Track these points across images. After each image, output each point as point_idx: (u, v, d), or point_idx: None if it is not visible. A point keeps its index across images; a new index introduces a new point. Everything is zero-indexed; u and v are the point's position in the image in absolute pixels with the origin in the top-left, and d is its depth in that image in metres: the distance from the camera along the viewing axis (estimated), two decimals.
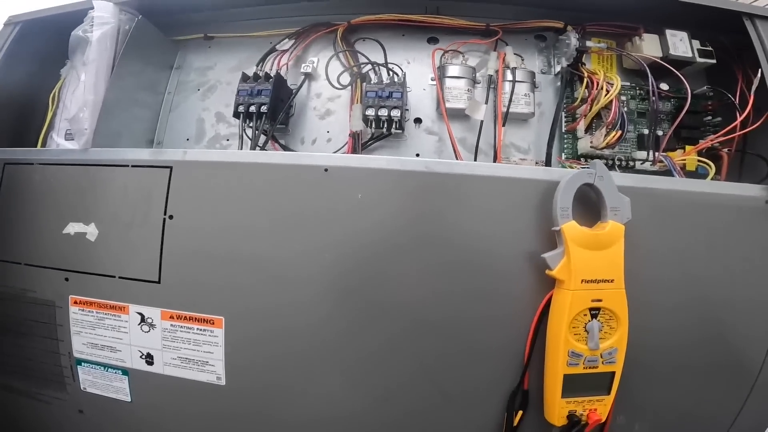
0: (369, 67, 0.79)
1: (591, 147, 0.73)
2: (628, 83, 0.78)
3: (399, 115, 0.71)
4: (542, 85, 0.82)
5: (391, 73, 0.78)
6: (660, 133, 0.74)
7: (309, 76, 0.83)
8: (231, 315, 0.64)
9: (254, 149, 0.73)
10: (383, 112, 0.71)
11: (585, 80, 0.74)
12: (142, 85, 0.83)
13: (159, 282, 0.65)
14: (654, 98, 0.71)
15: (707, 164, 0.68)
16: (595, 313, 0.56)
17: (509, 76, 0.77)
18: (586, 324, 0.56)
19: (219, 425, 0.67)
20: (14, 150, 0.75)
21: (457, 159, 0.75)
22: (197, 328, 0.64)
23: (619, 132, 0.69)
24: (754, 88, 0.68)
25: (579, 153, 0.76)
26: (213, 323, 0.64)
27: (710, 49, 0.75)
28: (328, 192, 0.62)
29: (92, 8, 0.76)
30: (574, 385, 0.57)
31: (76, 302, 0.68)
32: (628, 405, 0.61)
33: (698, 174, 0.70)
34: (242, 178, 0.64)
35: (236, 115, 0.75)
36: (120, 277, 0.66)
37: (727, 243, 0.61)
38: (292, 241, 0.62)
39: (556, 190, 0.57)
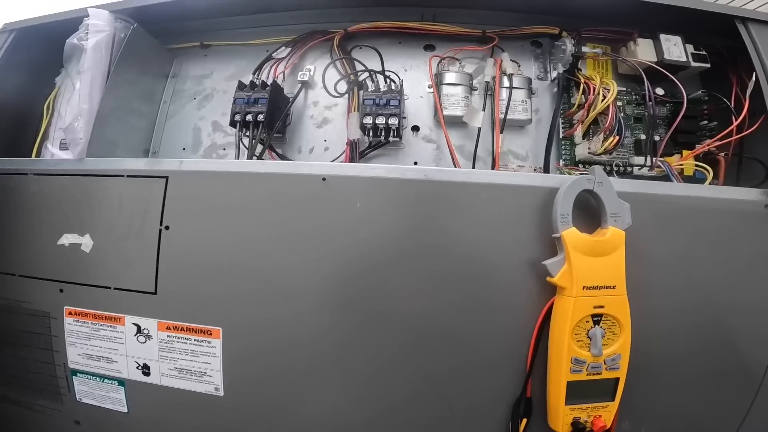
0: (366, 74, 0.78)
1: (589, 153, 0.72)
2: (624, 88, 0.77)
3: (396, 123, 0.71)
4: (539, 92, 0.81)
5: (388, 80, 0.77)
6: (657, 138, 0.73)
7: (306, 85, 0.83)
8: (229, 325, 0.63)
9: (251, 158, 0.72)
10: (381, 120, 0.71)
11: (581, 86, 0.73)
12: (138, 94, 0.82)
13: (155, 293, 0.64)
14: (650, 103, 0.71)
15: (705, 169, 0.68)
16: (597, 319, 0.55)
17: (506, 83, 0.76)
18: (588, 331, 0.55)
19: None
20: (8, 160, 0.74)
21: (455, 167, 0.74)
22: (194, 339, 0.63)
23: (617, 137, 0.68)
24: (749, 92, 0.68)
25: (577, 159, 0.75)
26: (210, 334, 0.63)
27: (704, 53, 0.75)
28: (326, 201, 0.61)
29: (87, 16, 0.75)
30: (577, 392, 0.56)
31: (71, 313, 0.67)
32: (633, 411, 0.60)
33: (696, 179, 0.70)
34: (239, 187, 0.63)
35: (233, 124, 0.74)
36: (115, 288, 0.65)
37: (727, 247, 0.60)
38: (290, 250, 0.61)
39: (556, 197, 0.56)
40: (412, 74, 0.83)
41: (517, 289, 0.59)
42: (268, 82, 0.75)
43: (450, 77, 0.77)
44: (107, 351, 0.66)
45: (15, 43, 0.83)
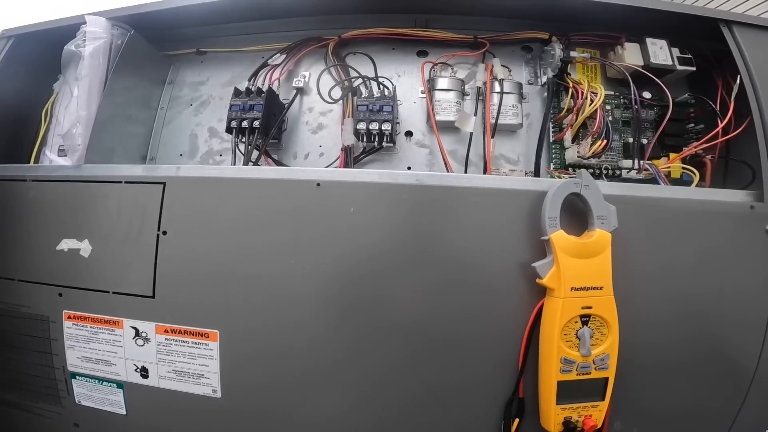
0: (360, 81, 0.79)
1: (578, 156, 0.73)
2: (613, 92, 0.78)
3: (390, 128, 0.71)
4: (530, 96, 0.82)
5: (381, 86, 0.78)
6: (644, 141, 0.74)
7: (301, 91, 0.83)
8: (226, 328, 0.63)
9: (247, 164, 0.73)
10: (374, 126, 0.71)
11: (570, 90, 0.74)
12: (135, 101, 0.83)
13: (153, 297, 0.64)
14: (636, 106, 0.72)
15: (691, 171, 0.69)
16: (585, 320, 0.56)
17: (497, 88, 0.77)
18: (577, 331, 0.56)
19: None
20: (7, 167, 0.74)
21: (447, 171, 0.75)
22: (192, 342, 0.64)
23: (605, 141, 0.69)
24: (734, 95, 0.68)
25: (567, 163, 0.76)
26: (208, 336, 0.63)
27: (690, 56, 0.76)
28: (320, 206, 0.62)
29: (84, 23, 0.75)
30: (568, 392, 0.57)
31: (69, 317, 0.67)
32: (624, 410, 0.61)
33: (683, 181, 0.71)
34: (235, 193, 0.64)
35: (229, 130, 0.74)
36: (114, 292, 0.66)
37: (714, 247, 0.61)
38: (285, 254, 0.62)
39: (544, 200, 0.57)
40: (405, 80, 0.84)
41: (508, 291, 0.60)
42: (264, 89, 0.76)
43: (442, 83, 0.78)
44: (106, 354, 0.67)
45: (13, 49, 0.84)
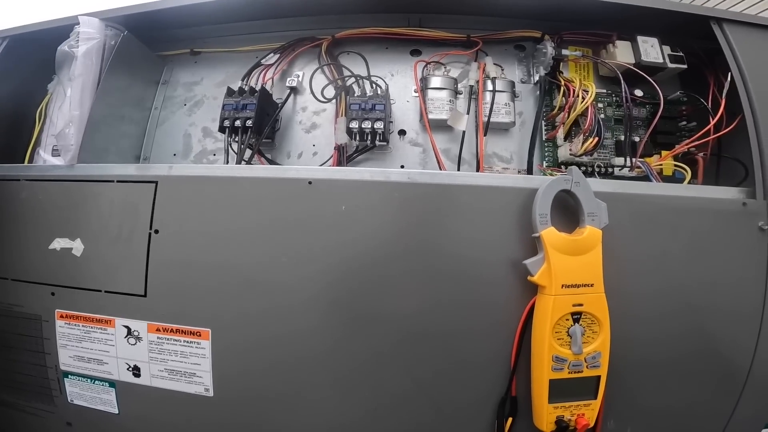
0: (353, 80, 0.78)
1: (570, 154, 0.73)
2: (605, 90, 0.78)
3: (382, 126, 0.71)
4: (522, 95, 0.82)
5: (374, 85, 0.77)
6: (636, 139, 0.74)
7: (294, 90, 0.83)
8: (218, 327, 0.63)
9: (240, 163, 0.72)
10: (367, 125, 0.71)
11: (562, 88, 0.74)
12: (129, 101, 0.82)
13: (145, 295, 0.64)
14: (627, 104, 0.71)
15: (683, 169, 0.69)
16: (577, 317, 0.55)
17: (489, 86, 0.76)
18: (568, 329, 0.55)
19: None
20: (1, 166, 0.74)
21: (440, 170, 0.74)
22: (184, 340, 0.63)
23: (596, 138, 0.69)
24: (725, 92, 0.68)
25: (559, 161, 0.76)
26: (200, 335, 0.63)
27: (681, 54, 0.75)
28: (312, 205, 0.62)
29: (78, 24, 0.75)
30: (560, 391, 0.56)
31: (62, 316, 0.67)
32: (618, 409, 0.60)
33: (675, 178, 0.70)
34: (227, 192, 0.64)
35: (222, 129, 0.74)
36: (106, 291, 0.65)
37: (706, 244, 0.61)
38: (277, 253, 0.62)
39: (535, 197, 0.57)
40: (398, 79, 0.83)
41: (501, 289, 0.59)
42: (257, 88, 0.75)
43: (435, 81, 0.78)
44: (98, 353, 0.66)
45: (8, 50, 0.83)
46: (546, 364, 0.55)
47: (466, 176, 0.63)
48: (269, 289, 0.62)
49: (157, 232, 0.64)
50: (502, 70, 0.80)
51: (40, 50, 0.82)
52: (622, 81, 0.71)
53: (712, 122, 0.68)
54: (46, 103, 0.81)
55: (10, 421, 0.72)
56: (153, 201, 0.65)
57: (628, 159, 0.71)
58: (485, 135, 0.75)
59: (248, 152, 0.75)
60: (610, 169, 0.74)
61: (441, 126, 0.77)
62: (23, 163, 0.78)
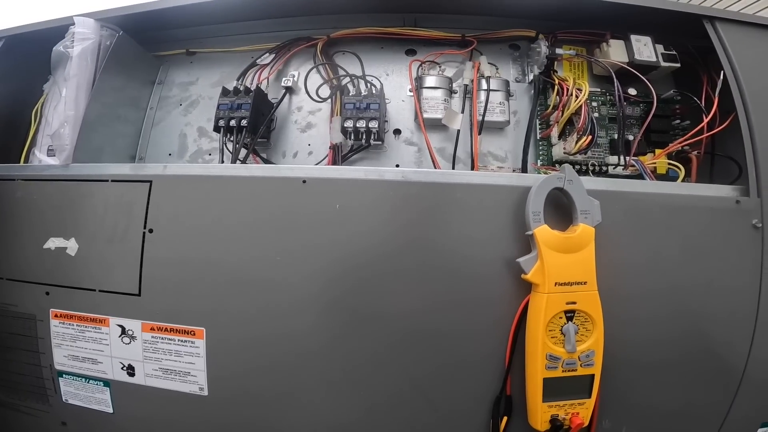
0: (347, 79, 0.78)
1: (564, 153, 0.72)
2: (599, 89, 0.77)
3: (377, 126, 0.70)
4: (517, 94, 0.81)
5: (369, 84, 0.77)
6: (630, 137, 0.73)
7: (290, 90, 0.82)
8: (212, 326, 0.62)
9: (234, 163, 0.72)
10: (361, 124, 0.70)
11: (556, 87, 0.73)
12: (124, 101, 0.82)
13: (139, 294, 0.63)
14: (621, 103, 0.71)
15: (677, 167, 0.68)
16: (570, 315, 0.55)
17: (484, 86, 0.76)
18: (562, 327, 0.55)
19: None
20: None
21: (435, 169, 0.74)
22: (178, 339, 0.62)
23: (590, 137, 0.68)
24: (718, 90, 0.68)
25: (554, 159, 0.75)
26: (194, 334, 0.62)
27: (674, 53, 0.75)
28: (306, 204, 0.61)
29: (73, 24, 0.74)
30: (554, 389, 0.56)
31: (56, 315, 0.66)
32: (613, 409, 0.60)
33: (669, 177, 0.70)
34: (221, 191, 0.63)
35: (217, 129, 0.73)
36: (100, 291, 0.65)
37: (700, 242, 0.60)
38: (272, 252, 0.61)
39: (528, 195, 0.56)
40: (393, 78, 0.83)
41: (495, 287, 0.59)
42: (252, 88, 0.75)
43: (430, 81, 0.77)
44: (92, 352, 0.65)
45: (4, 51, 0.82)
46: (540, 362, 0.55)
47: (460, 174, 0.62)
48: (264, 288, 0.61)
49: (151, 231, 0.64)
50: (497, 69, 0.80)
51: (35, 51, 0.81)
52: (616, 80, 0.70)
53: (706, 120, 0.68)
54: (42, 104, 0.81)
55: (4, 420, 0.71)
56: (147, 200, 0.64)
57: (622, 157, 0.70)
58: (480, 134, 0.74)
59: (243, 152, 0.74)
60: (604, 168, 0.73)
61: (436, 125, 0.77)
62: (19, 163, 0.77)
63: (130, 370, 0.64)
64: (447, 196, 0.60)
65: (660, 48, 0.75)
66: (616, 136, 0.74)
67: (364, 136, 0.71)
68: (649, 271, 0.60)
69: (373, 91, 0.75)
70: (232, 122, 0.72)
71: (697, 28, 0.71)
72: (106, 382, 0.66)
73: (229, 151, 0.73)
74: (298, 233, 0.61)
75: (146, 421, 0.66)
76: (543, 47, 0.74)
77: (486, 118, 0.75)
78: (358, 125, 0.70)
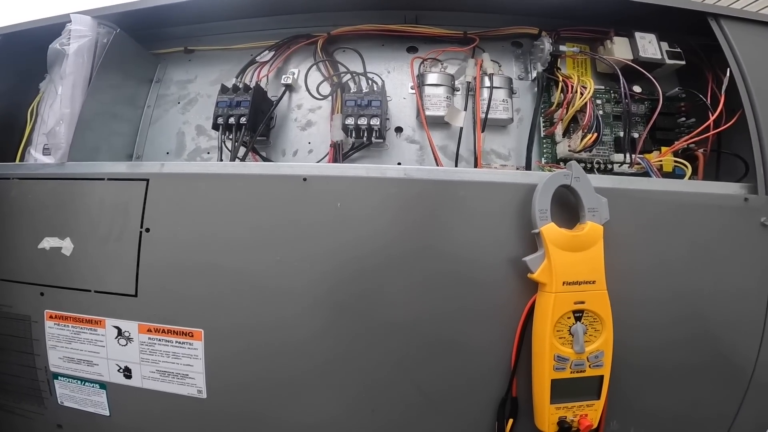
0: (348, 76, 0.76)
1: (569, 150, 0.71)
2: (603, 87, 0.76)
3: (378, 123, 0.69)
4: (520, 91, 0.79)
5: (370, 82, 0.75)
6: (636, 135, 0.72)
7: (290, 88, 0.81)
8: (210, 327, 0.60)
9: (233, 161, 0.70)
10: (363, 121, 0.69)
11: (560, 84, 0.72)
12: (121, 99, 0.80)
13: (136, 295, 0.62)
14: (626, 100, 0.70)
15: (683, 165, 0.67)
16: (578, 315, 0.53)
17: (487, 83, 0.74)
18: (570, 327, 0.53)
19: None
20: None
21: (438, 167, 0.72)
22: (176, 341, 0.61)
23: (595, 134, 0.67)
24: (724, 88, 0.67)
25: (558, 157, 0.74)
26: (192, 336, 0.60)
27: (679, 50, 0.74)
28: (307, 202, 0.60)
29: (70, 21, 0.72)
30: (562, 391, 0.54)
31: (51, 317, 0.65)
32: (621, 410, 0.58)
33: (675, 175, 0.68)
34: (219, 189, 0.61)
35: (215, 127, 0.72)
36: (96, 291, 0.63)
37: (708, 240, 0.59)
38: (271, 251, 0.60)
39: (534, 193, 0.55)
40: (395, 76, 0.81)
41: (500, 287, 0.57)
42: (251, 86, 0.73)
43: (432, 78, 0.76)
44: (88, 354, 0.64)
45: (0, 49, 0.81)
46: (547, 363, 0.53)
47: (464, 172, 0.61)
48: (263, 288, 0.60)
49: (148, 230, 0.62)
50: (500, 66, 0.79)
51: (32, 49, 0.79)
52: (621, 77, 0.69)
53: (712, 118, 0.66)
54: (38, 102, 0.79)
55: None
56: (144, 199, 0.62)
57: (627, 155, 0.69)
58: (483, 132, 0.73)
59: (243, 150, 0.72)
60: (609, 166, 0.72)
61: (438, 123, 0.75)
62: (15, 162, 0.76)
63: (127, 373, 0.63)
64: (450, 194, 0.59)
65: (665, 45, 0.73)
66: (621, 134, 0.73)
67: (365, 134, 0.70)
68: (657, 271, 0.58)
69: (375, 88, 0.73)
70: (231, 120, 0.71)
71: (701, 25, 0.70)
72: (103, 385, 0.64)
73: (227, 149, 0.72)
74: (299, 232, 0.59)
75: (143, 424, 0.64)
76: (546, 44, 0.73)
77: (489, 116, 0.73)
78: (359, 123, 0.69)
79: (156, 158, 0.83)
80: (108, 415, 0.64)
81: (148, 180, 0.63)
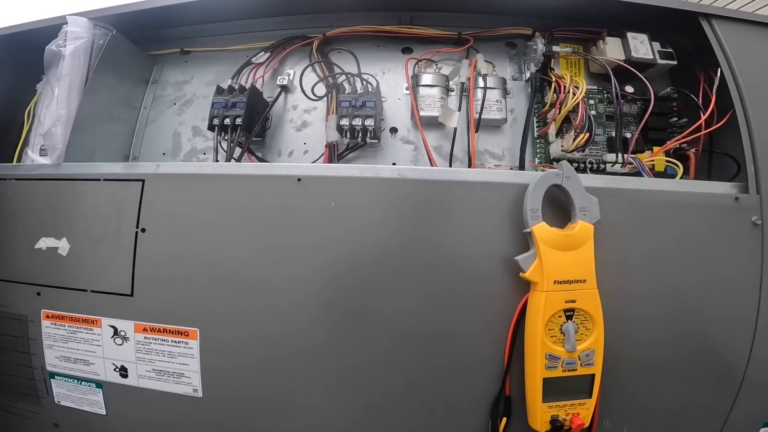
0: (343, 77, 0.76)
1: (562, 150, 0.71)
2: (596, 87, 0.76)
3: (373, 124, 0.69)
4: (514, 92, 0.80)
5: (365, 82, 0.75)
6: (628, 135, 0.72)
7: (285, 89, 0.81)
8: (206, 327, 0.61)
9: (229, 161, 0.70)
10: (357, 122, 0.69)
11: (553, 85, 0.72)
12: (117, 100, 0.80)
13: (131, 295, 0.62)
14: (618, 100, 0.70)
15: (675, 164, 0.67)
16: (570, 314, 0.54)
17: (481, 83, 0.74)
18: (561, 326, 0.53)
19: None
20: None
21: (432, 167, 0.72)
22: (171, 340, 0.61)
23: (587, 134, 0.67)
24: (716, 88, 0.67)
25: (551, 157, 0.74)
26: (187, 335, 0.61)
27: (671, 50, 0.74)
28: (301, 202, 0.60)
29: (66, 23, 0.72)
30: (554, 389, 0.54)
31: (48, 316, 0.65)
32: (614, 409, 0.58)
33: (667, 174, 0.68)
34: (214, 190, 0.62)
35: (211, 127, 0.72)
36: (92, 291, 0.63)
37: (699, 239, 0.59)
38: (266, 251, 0.60)
39: (526, 192, 0.55)
40: (390, 77, 0.81)
41: (493, 286, 0.58)
42: (247, 87, 0.73)
43: (426, 79, 0.76)
44: (84, 353, 0.64)
45: None
46: (539, 362, 0.53)
47: (457, 172, 0.61)
48: (258, 287, 0.60)
49: (143, 230, 0.62)
50: (494, 67, 0.79)
51: (29, 50, 0.80)
52: (613, 77, 0.69)
53: (703, 118, 0.67)
54: (35, 103, 0.79)
55: None
56: (140, 199, 0.63)
57: (619, 155, 0.69)
58: (477, 132, 0.73)
59: (238, 151, 0.72)
60: (602, 165, 0.72)
61: (432, 123, 0.75)
62: (11, 163, 0.76)
63: (123, 372, 0.63)
64: (444, 194, 0.59)
65: (656, 45, 0.74)
66: (613, 134, 0.73)
67: (360, 135, 0.70)
68: (648, 270, 0.58)
69: (369, 89, 0.73)
70: (227, 121, 0.70)
71: (693, 25, 0.70)
72: (99, 384, 0.64)
73: (223, 149, 0.72)
74: (293, 232, 0.59)
75: (140, 422, 0.65)
76: (539, 45, 0.73)
77: (483, 116, 0.73)
78: (354, 123, 0.69)
79: (152, 159, 0.83)
80: (104, 414, 0.65)
81: (143, 180, 0.63)
